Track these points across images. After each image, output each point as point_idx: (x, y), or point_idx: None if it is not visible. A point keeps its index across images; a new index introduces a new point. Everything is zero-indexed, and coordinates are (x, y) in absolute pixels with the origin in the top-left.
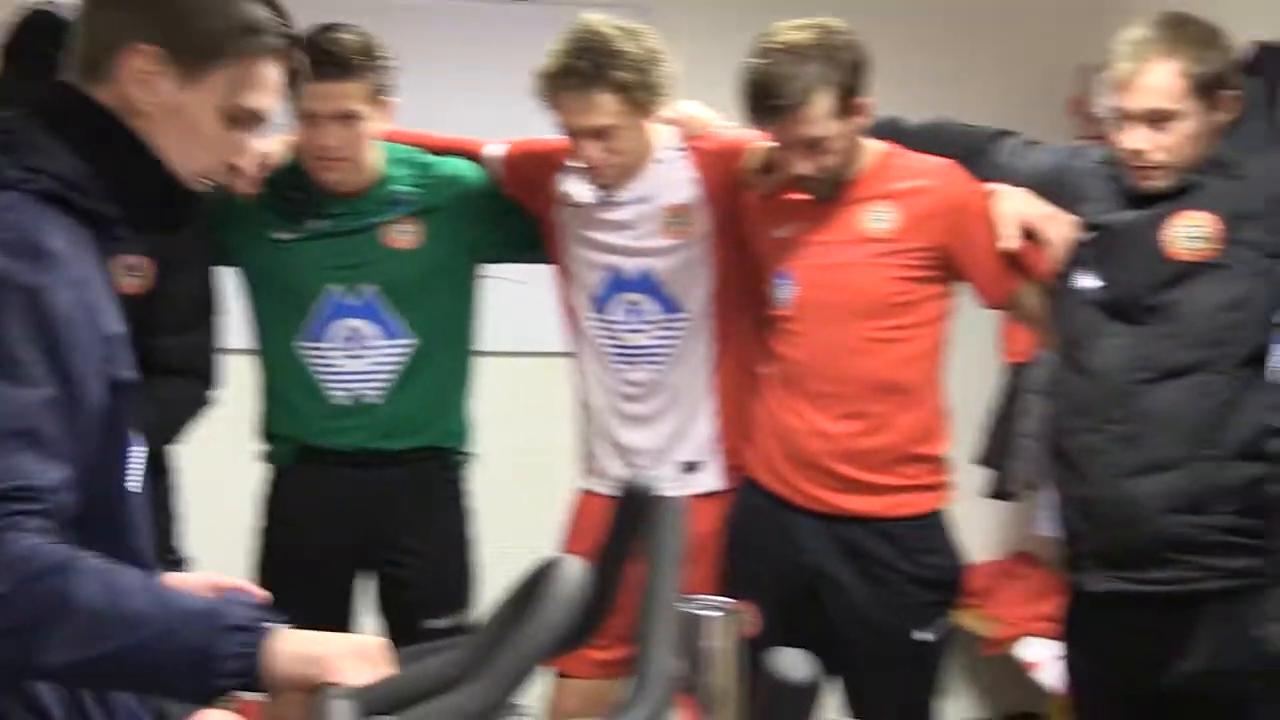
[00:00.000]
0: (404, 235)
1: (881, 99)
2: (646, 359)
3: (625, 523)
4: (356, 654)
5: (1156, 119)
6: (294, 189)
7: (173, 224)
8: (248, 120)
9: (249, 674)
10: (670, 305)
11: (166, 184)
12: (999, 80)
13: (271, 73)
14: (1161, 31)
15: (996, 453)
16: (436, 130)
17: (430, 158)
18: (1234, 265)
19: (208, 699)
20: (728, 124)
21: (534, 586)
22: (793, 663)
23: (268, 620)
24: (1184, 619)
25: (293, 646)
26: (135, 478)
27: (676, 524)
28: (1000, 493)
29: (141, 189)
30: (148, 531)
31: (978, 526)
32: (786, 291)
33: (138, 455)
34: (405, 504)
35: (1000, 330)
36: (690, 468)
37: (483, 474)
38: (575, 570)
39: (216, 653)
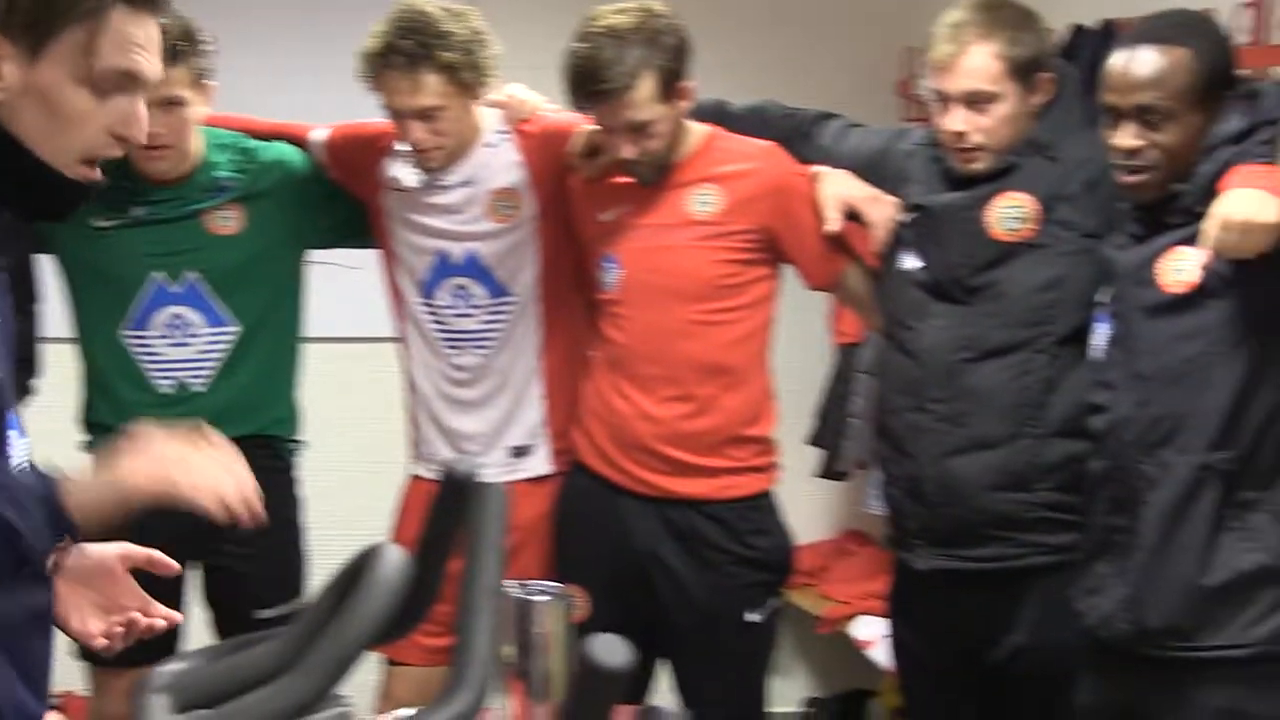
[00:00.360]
0: (227, 222)
1: (708, 85)
2: (474, 344)
3: (446, 509)
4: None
5: (975, 101)
6: (114, 175)
7: (59, 212)
8: (118, 83)
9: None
10: (498, 289)
11: (42, 173)
12: (826, 64)
13: (128, 26)
14: (978, 15)
15: (827, 433)
16: (260, 115)
17: (254, 143)
18: (1052, 245)
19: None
20: (553, 107)
21: (354, 575)
22: (608, 648)
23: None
24: (1008, 595)
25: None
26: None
27: (498, 510)
28: (831, 473)
29: (14, 182)
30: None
31: (809, 506)
32: (612, 275)
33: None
34: None
35: (830, 311)
36: (519, 452)
37: (313, 461)
38: (395, 557)
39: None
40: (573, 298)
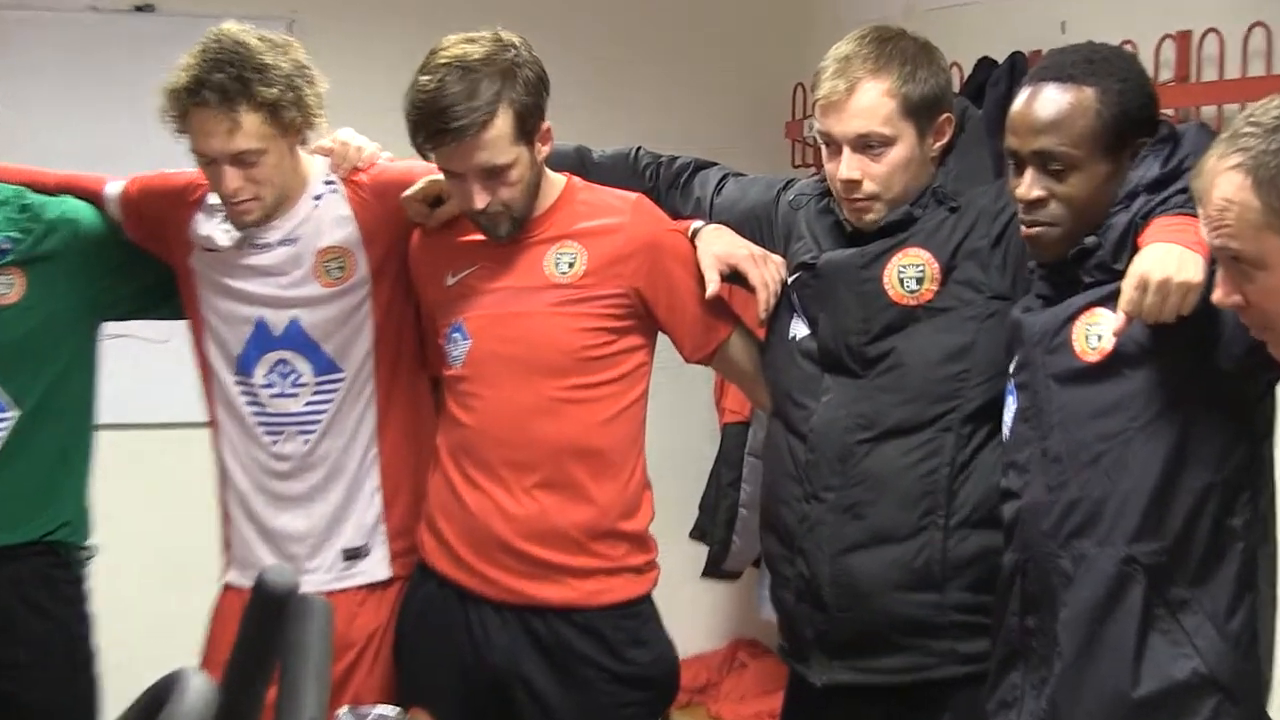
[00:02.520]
0: (4, 290)
1: (575, 127)
2: (298, 428)
3: (262, 627)
4: None
5: (866, 145)
6: None
7: None
8: None
9: None
10: (326, 364)
11: None
12: (706, 103)
13: None
14: (868, 48)
15: (713, 527)
16: (47, 165)
17: (37, 198)
18: (956, 308)
19: None
20: (389, 155)
21: (152, 707)
22: None
23: None
24: (919, 712)
25: None
26: None
27: (322, 627)
28: (718, 572)
29: None
30: None
31: (694, 612)
32: (460, 347)
33: None
34: (12, 610)
35: (715, 386)
36: (353, 555)
37: (106, 569)
38: (200, 686)
39: None
40: (414, 374)
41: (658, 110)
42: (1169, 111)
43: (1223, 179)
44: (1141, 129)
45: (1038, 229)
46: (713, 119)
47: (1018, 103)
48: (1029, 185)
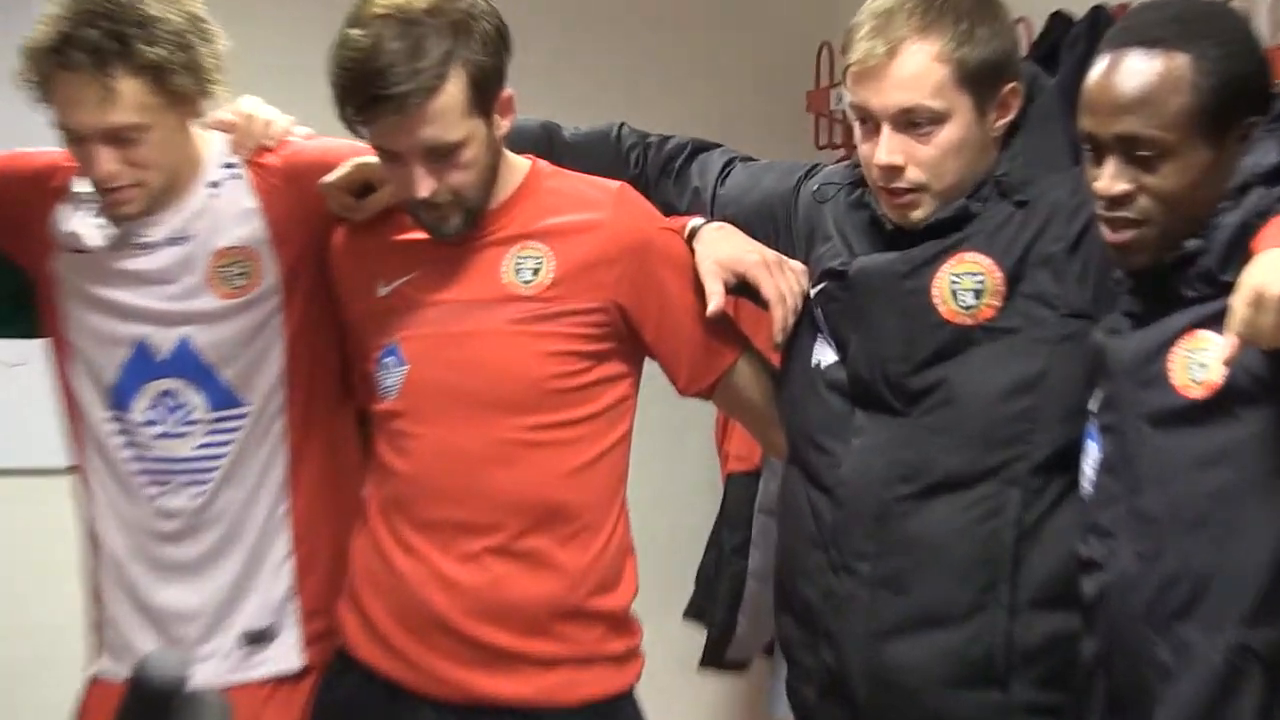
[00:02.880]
0: None
1: (544, 97)
2: (189, 477)
3: None
4: None
5: (912, 123)
6: None
7: None
8: None
9: None
10: (224, 396)
11: None
12: (712, 68)
13: None
14: (914, 0)
15: (713, 603)
16: None
17: None
18: (1024, 329)
19: None
20: (306, 131)
21: None
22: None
23: None
24: None
25: None
26: None
27: None
28: (720, 660)
29: None
30: None
31: (689, 712)
32: (394, 375)
33: None
34: None
35: (717, 425)
36: (256, 639)
37: None
38: None
39: None
40: (336, 408)
41: (646, 77)
42: None
43: None
44: (1252, 105)
45: (1124, 231)
46: (715, 88)
47: (1094, 74)
48: (1111, 177)
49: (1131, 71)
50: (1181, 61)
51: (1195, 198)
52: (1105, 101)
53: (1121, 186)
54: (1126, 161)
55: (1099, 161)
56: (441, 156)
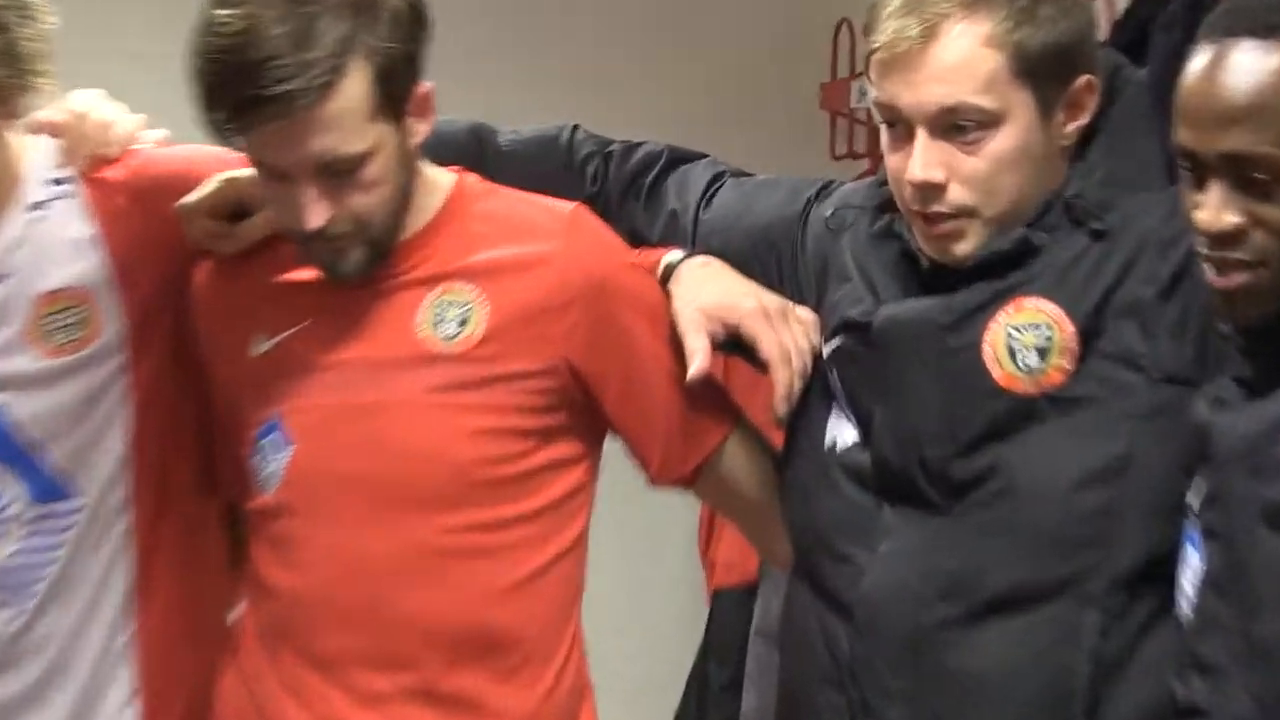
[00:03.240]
0: None
1: (482, 96)
2: (3, 593)
3: None
4: None
5: (956, 127)
6: None
7: None
8: None
9: None
10: (49, 486)
11: None
12: (697, 57)
13: None
14: None
15: None
16: None
17: None
18: (1102, 399)
19: None
20: (158, 134)
21: None
22: None
23: None
24: None
25: None
26: None
27: None
28: None
29: None
30: None
31: None
32: (276, 459)
33: None
34: None
35: (700, 524)
36: None
37: None
38: None
39: None
40: (197, 503)
41: (608, 65)
42: None
43: None
44: None
45: (1233, 275)
46: (700, 78)
47: (1192, 72)
48: (1218, 208)
49: (1242, 70)
50: None
51: None
52: (1208, 110)
53: (1231, 219)
54: (1237, 187)
55: (1201, 186)
56: (339, 173)
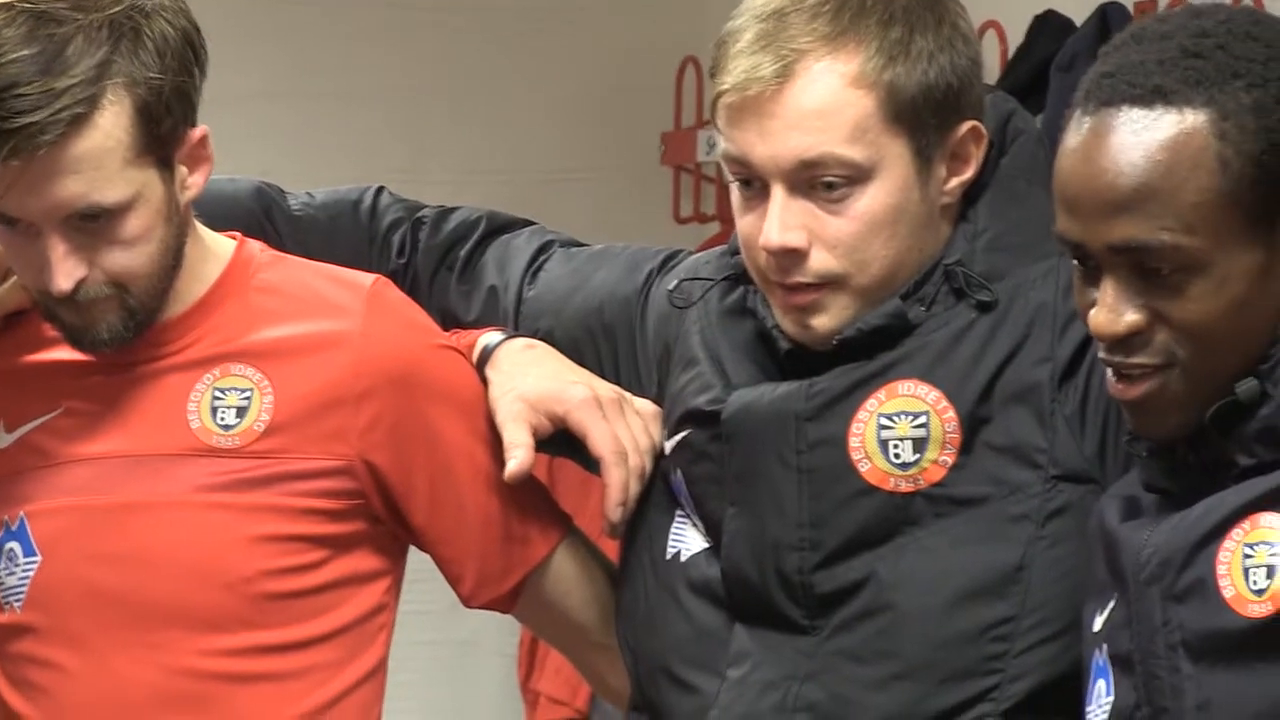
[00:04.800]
0: None
1: (267, 143)
2: None
3: None
4: None
5: (819, 183)
6: None
7: None
8: None
9: None
10: None
11: None
12: (521, 101)
13: None
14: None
15: None
16: None
17: None
18: (992, 498)
19: None
20: None
21: None
22: None
23: None
24: None
25: None
26: None
27: None
28: None
29: None
30: None
31: None
32: (18, 570)
33: None
34: None
35: (520, 649)
36: None
37: None
38: None
39: None
40: None
41: (422, 118)
42: None
43: None
44: None
45: (1140, 384)
46: (528, 133)
47: (1069, 152)
48: (1114, 307)
49: (1127, 146)
50: (1202, 121)
51: (1242, 323)
52: (1091, 197)
53: (1130, 319)
54: (1134, 280)
55: (1091, 281)
56: (93, 226)
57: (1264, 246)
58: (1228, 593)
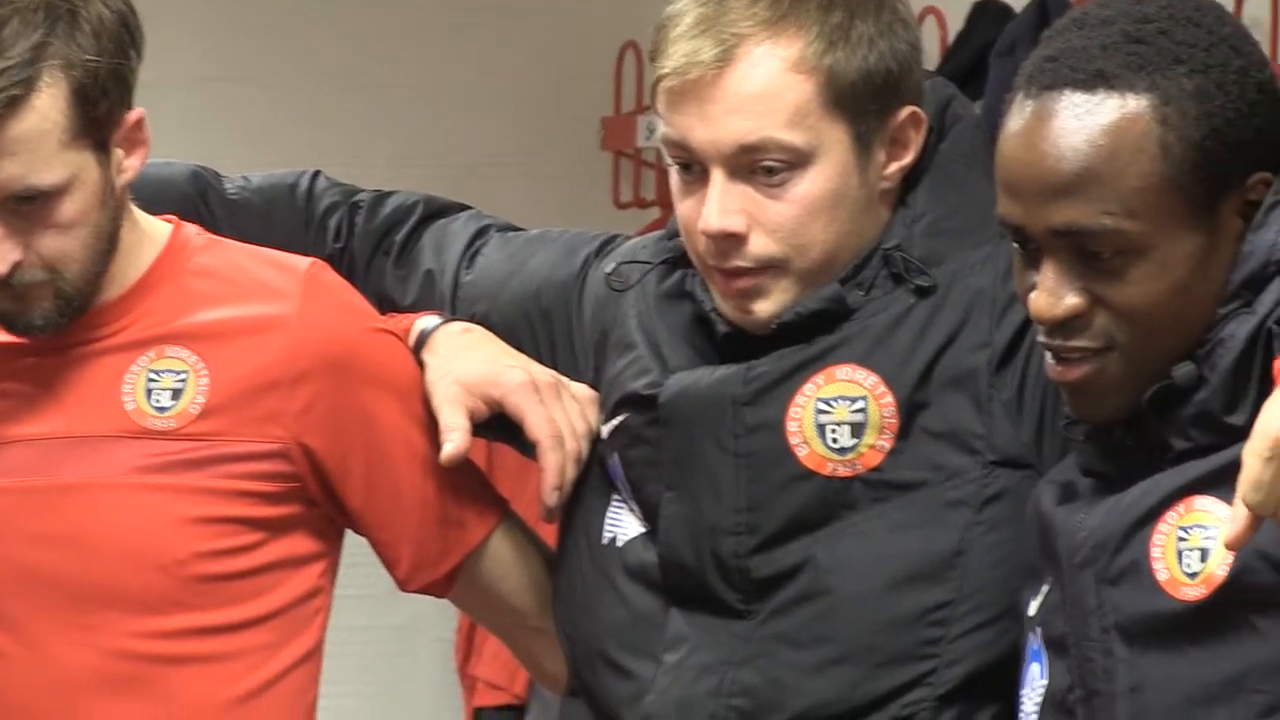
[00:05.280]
0: None
1: (202, 130)
2: None
3: None
4: None
5: (759, 167)
6: None
7: None
8: None
9: None
10: None
11: None
12: (457, 87)
13: None
14: None
15: None
16: None
17: None
18: (930, 483)
19: None
20: None
21: None
22: None
23: None
24: None
25: None
26: None
27: None
28: None
29: None
30: None
31: None
32: None
33: None
34: None
35: (459, 634)
36: None
37: None
38: None
39: None
40: None
41: (359, 101)
42: None
43: None
44: (1257, 156)
45: (1077, 367)
46: (466, 118)
47: (1010, 136)
48: (1054, 290)
49: (1068, 131)
50: (1144, 106)
51: (1181, 307)
52: (1033, 181)
53: (1069, 303)
54: (1074, 264)
55: (1032, 264)
56: (29, 209)
57: (1204, 231)
58: (1161, 576)
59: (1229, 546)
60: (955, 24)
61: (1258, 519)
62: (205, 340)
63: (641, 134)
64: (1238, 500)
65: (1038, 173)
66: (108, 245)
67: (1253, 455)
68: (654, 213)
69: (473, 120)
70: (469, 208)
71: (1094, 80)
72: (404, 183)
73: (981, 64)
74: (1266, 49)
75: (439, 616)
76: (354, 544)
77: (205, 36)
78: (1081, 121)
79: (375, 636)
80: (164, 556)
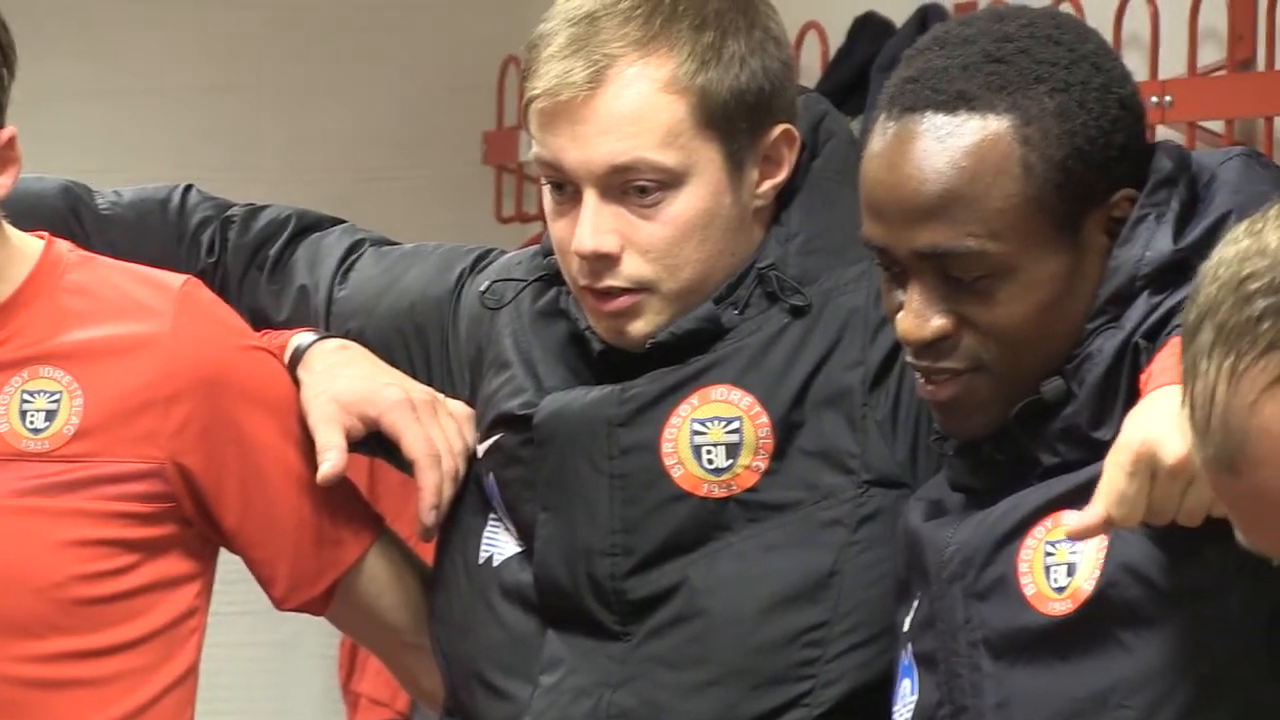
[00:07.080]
0: None
1: (81, 146)
2: None
3: None
4: None
5: (631, 188)
6: None
7: None
8: None
9: None
10: None
11: None
12: (338, 97)
13: None
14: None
15: None
16: None
17: None
18: (805, 504)
19: None
20: None
21: None
22: None
23: None
24: None
25: None
26: None
27: None
28: None
29: None
30: None
31: None
32: None
33: None
34: None
35: (341, 652)
36: None
37: None
38: None
39: None
40: None
41: (244, 111)
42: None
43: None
44: (1121, 173)
45: (947, 386)
46: (346, 128)
47: (873, 158)
48: (920, 312)
49: (927, 151)
50: (1005, 126)
51: (1048, 325)
52: (895, 204)
53: (935, 324)
54: (940, 285)
55: (898, 284)
56: None
57: (1069, 249)
58: (1029, 590)
59: (1070, 536)
60: (837, 39)
61: (1112, 525)
62: (79, 360)
63: (524, 148)
64: (1094, 504)
65: (900, 195)
66: None
67: (1115, 467)
68: (536, 227)
69: (355, 134)
70: (343, 221)
71: (955, 101)
72: (282, 196)
73: (863, 79)
74: (1146, 65)
75: (321, 633)
76: (234, 561)
77: (81, 51)
78: (943, 144)
79: (257, 654)
80: (41, 580)
